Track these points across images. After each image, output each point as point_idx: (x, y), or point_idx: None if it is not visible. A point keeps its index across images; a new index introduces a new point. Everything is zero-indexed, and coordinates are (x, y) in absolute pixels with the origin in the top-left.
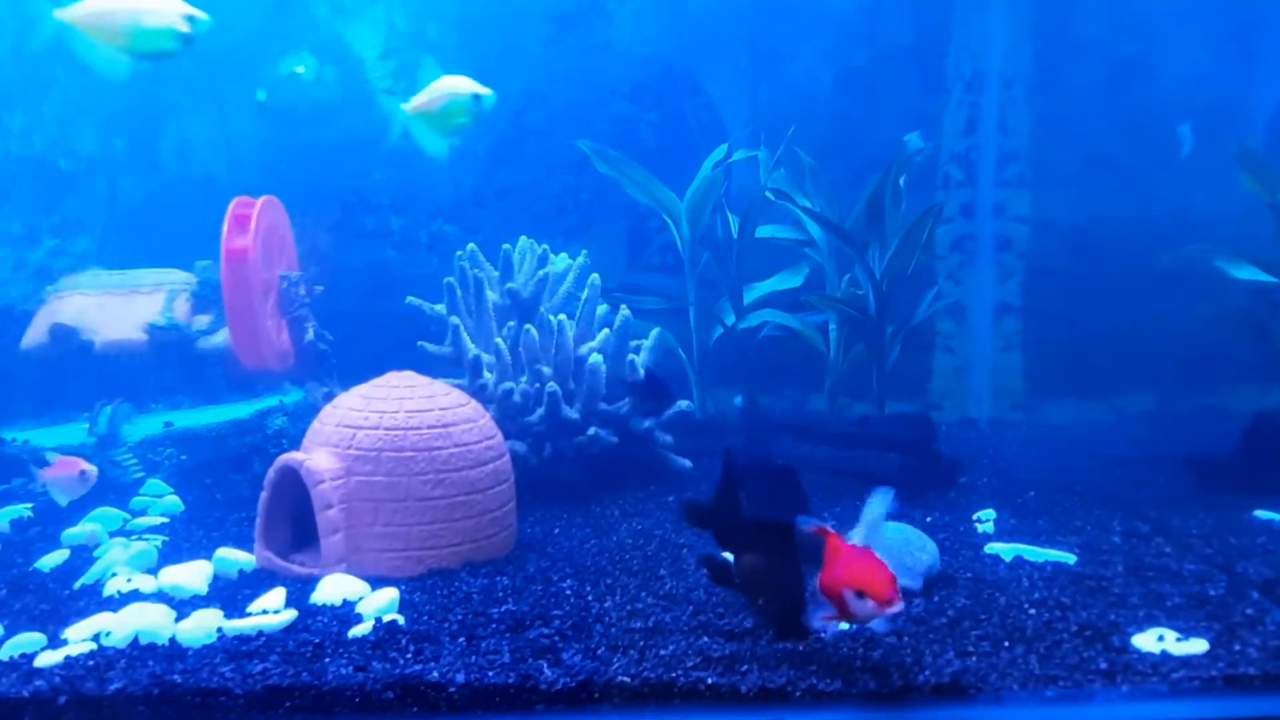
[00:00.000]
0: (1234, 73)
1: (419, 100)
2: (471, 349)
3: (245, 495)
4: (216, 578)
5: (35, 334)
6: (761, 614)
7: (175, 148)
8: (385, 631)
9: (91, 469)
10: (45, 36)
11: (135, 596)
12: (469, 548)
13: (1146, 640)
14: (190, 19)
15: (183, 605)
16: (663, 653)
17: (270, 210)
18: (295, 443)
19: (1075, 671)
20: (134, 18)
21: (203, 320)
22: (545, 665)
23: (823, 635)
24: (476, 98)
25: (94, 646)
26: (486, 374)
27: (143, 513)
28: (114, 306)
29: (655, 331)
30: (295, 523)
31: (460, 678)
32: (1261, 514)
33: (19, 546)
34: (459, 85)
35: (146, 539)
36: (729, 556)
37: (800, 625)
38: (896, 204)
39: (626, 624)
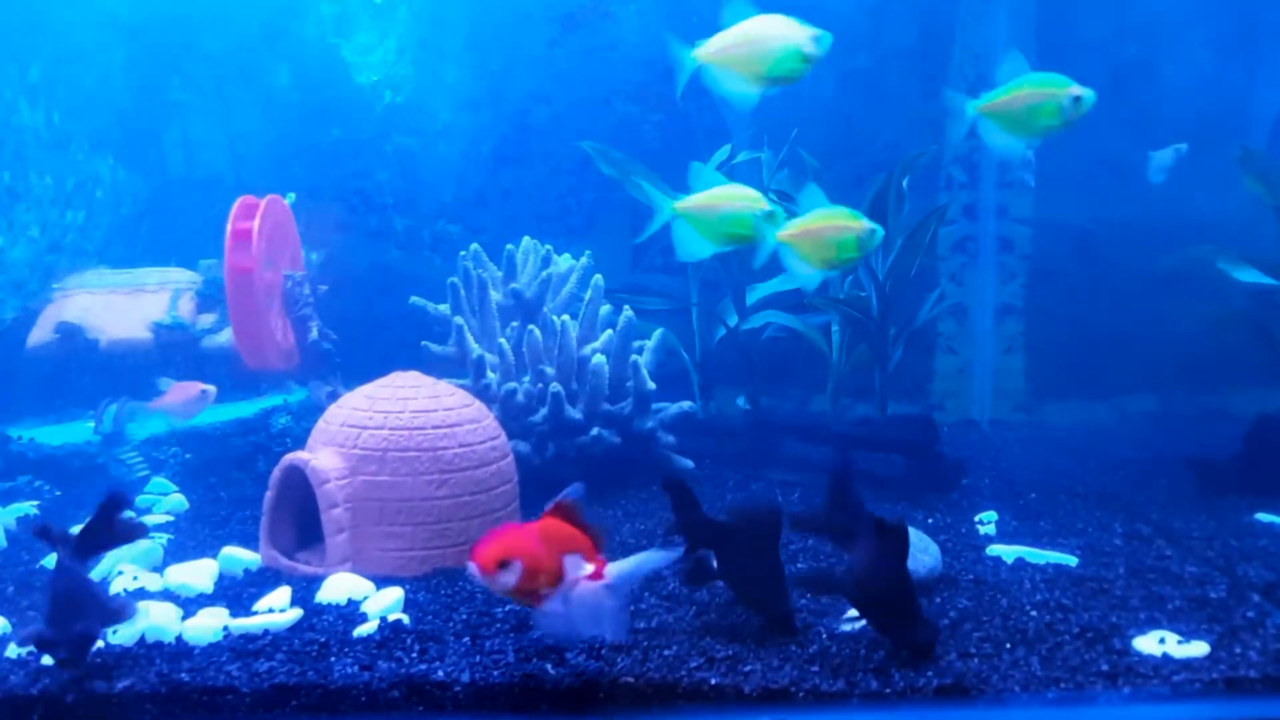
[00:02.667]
0: (1237, 75)
1: (999, 102)
2: (475, 349)
3: (250, 494)
4: (222, 576)
5: (41, 332)
6: (750, 604)
7: (180, 146)
8: (390, 631)
9: (211, 388)
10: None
11: (141, 595)
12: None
13: (1148, 643)
14: (816, 39)
15: (189, 604)
16: (666, 653)
17: (274, 209)
18: (299, 442)
19: (1077, 673)
20: (765, 45)
21: (207, 319)
22: (549, 665)
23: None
24: (1076, 99)
25: (101, 644)
26: (490, 374)
27: (148, 511)
28: (119, 305)
29: (658, 332)
30: (300, 522)
31: (465, 677)
32: (1263, 516)
33: (25, 544)
34: (1051, 87)
35: (152, 537)
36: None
37: (788, 613)
38: (900, 206)
39: (630, 624)
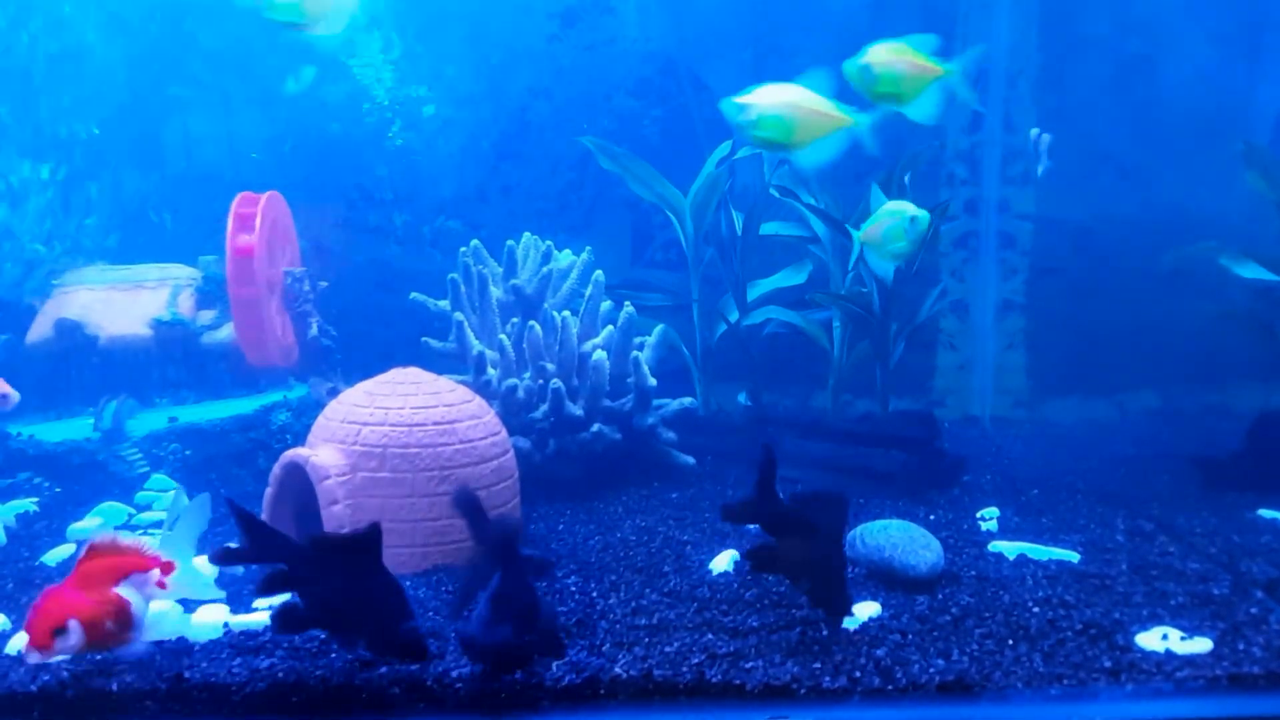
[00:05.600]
0: (1240, 71)
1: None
2: (475, 345)
3: (250, 491)
4: (222, 573)
5: (40, 329)
6: (808, 593)
7: (179, 143)
8: None
9: (13, 395)
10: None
11: None
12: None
13: (1150, 639)
14: (916, 219)
15: (189, 600)
16: (667, 649)
17: (274, 206)
18: (299, 438)
19: (1079, 670)
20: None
21: (207, 315)
22: (551, 661)
23: None
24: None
25: None
26: (490, 370)
27: (147, 508)
28: (119, 301)
29: (659, 328)
30: (301, 518)
31: (465, 672)
32: (1266, 513)
33: (25, 541)
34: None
35: (152, 534)
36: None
37: (845, 599)
38: None
39: (631, 620)
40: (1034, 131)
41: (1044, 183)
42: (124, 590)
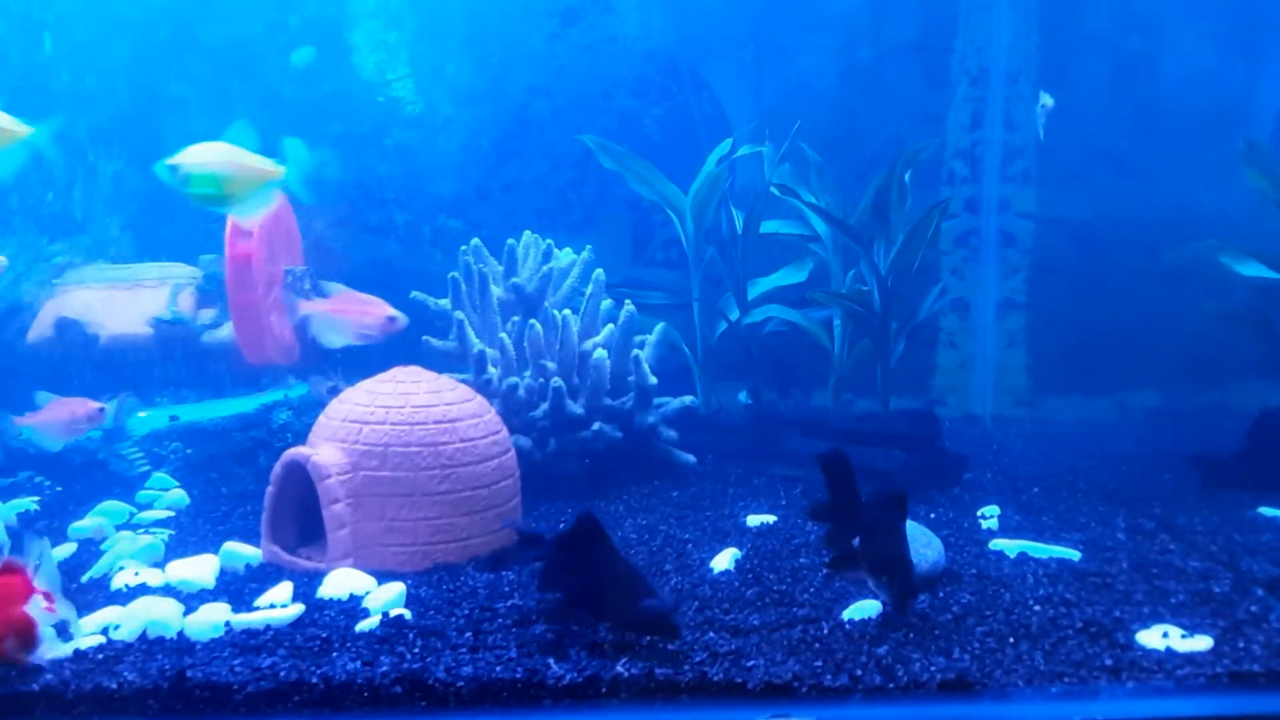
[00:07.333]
0: (1240, 69)
1: None
2: (476, 344)
3: (250, 489)
4: (223, 572)
5: (41, 328)
6: (886, 591)
7: (180, 141)
8: (392, 626)
9: (107, 407)
10: None
11: (143, 590)
12: (475, 542)
13: (1151, 637)
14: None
15: (190, 599)
16: (669, 647)
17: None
18: (300, 437)
19: (1080, 668)
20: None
21: (207, 314)
22: (552, 660)
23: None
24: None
25: (103, 640)
26: (491, 369)
27: (149, 506)
28: (119, 300)
29: (659, 327)
30: (302, 517)
31: (467, 672)
32: (1266, 511)
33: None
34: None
35: (153, 533)
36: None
37: (913, 589)
38: (902, 200)
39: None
40: (1047, 100)
41: (1044, 182)
42: (31, 609)
